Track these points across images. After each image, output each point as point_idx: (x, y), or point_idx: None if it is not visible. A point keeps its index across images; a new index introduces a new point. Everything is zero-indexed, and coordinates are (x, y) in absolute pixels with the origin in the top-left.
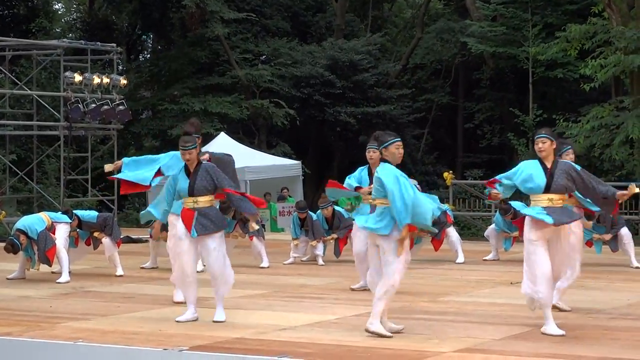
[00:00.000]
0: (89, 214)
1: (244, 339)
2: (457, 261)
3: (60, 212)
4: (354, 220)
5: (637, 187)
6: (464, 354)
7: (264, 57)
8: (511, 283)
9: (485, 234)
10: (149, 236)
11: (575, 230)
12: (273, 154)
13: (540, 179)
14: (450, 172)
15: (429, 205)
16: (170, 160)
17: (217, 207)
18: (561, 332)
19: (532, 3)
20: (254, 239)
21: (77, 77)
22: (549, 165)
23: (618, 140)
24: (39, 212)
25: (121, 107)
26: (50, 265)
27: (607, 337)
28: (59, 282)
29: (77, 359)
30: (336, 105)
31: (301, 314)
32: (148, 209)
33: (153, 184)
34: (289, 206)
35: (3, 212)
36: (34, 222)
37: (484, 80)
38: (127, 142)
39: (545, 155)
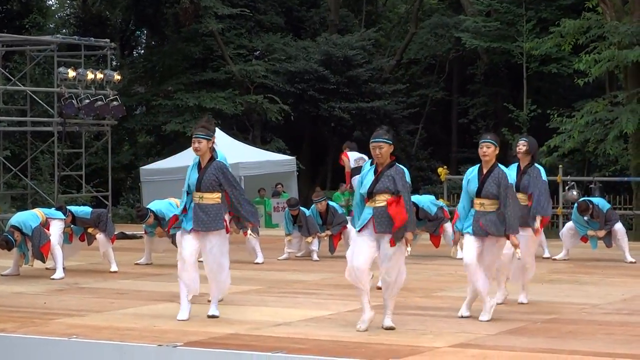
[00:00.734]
0: (83, 210)
1: (239, 334)
2: (455, 256)
3: (54, 208)
4: (348, 216)
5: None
6: (458, 349)
7: (258, 52)
8: (507, 278)
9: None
10: (143, 232)
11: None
12: (267, 150)
13: (474, 184)
14: (445, 167)
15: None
16: None
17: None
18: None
19: None
20: (249, 234)
21: (71, 73)
22: (484, 171)
23: (612, 135)
24: (33, 208)
25: (115, 103)
26: (45, 262)
27: (601, 332)
28: (53, 279)
29: (72, 355)
30: (330, 100)
31: (296, 309)
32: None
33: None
34: (283, 202)
35: None
36: (28, 218)
37: (478, 75)
38: (121, 137)
39: (488, 160)
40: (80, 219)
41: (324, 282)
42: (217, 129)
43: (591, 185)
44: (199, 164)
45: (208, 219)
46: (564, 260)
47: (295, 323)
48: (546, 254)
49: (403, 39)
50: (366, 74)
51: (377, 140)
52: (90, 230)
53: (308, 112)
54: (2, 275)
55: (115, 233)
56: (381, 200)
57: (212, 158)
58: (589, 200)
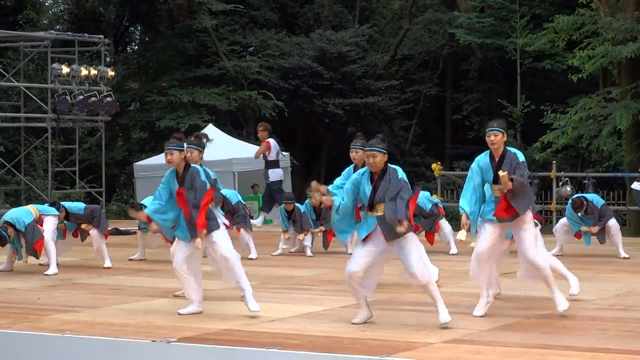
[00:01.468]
0: (76, 206)
1: (233, 330)
2: (450, 252)
3: (47, 205)
4: None
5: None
6: (452, 344)
7: (252, 48)
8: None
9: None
10: (137, 228)
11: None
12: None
13: (489, 173)
14: (439, 163)
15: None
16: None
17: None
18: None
19: None
20: (242, 230)
21: (65, 69)
22: (496, 159)
23: (606, 131)
24: (26, 204)
25: (109, 99)
26: (38, 258)
27: (595, 327)
28: (46, 275)
29: (65, 351)
30: (324, 96)
31: (290, 305)
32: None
33: None
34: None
35: None
36: (21, 214)
37: (472, 71)
38: (115, 133)
39: (497, 147)
40: (73, 215)
41: (318, 278)
42: (211, 124)
43: (585, 181)
44: (177, 172)
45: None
46: (558, 256)
47: (289, 319)
48: None
49: (397, 35)
50: (360, 70)
51: (371, 148)
52: (83, 226)
53: (302, 108)
54: None
55: (109, 229)
56: (383, 209)
57: (188, 166)
58: (583, 196)
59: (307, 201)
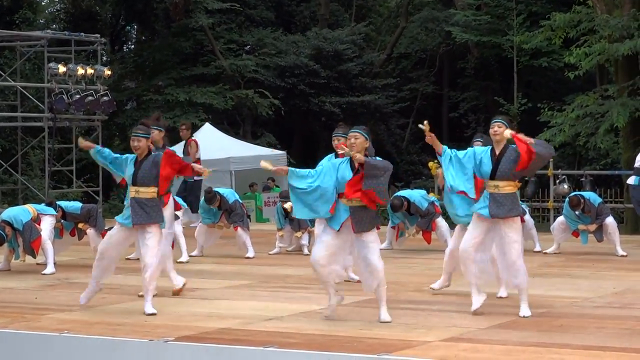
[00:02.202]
0: (73, 205)
1: (230, 329)
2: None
3: (43, 204)
4: None
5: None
6: (449, 343)
7: (248, 47)
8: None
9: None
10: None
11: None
12: (258, 144)
13: (487, 166)
14: (436, 161)
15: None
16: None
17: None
18: None
19: None
20: (239, 229)
21: (61, 68)
22: (497, 152)
23: (603, 128)
24: (23, 203)
25: (105, 98)
26: (35, 257)
27: (592, 325)
28: (44, 274)
29: (63, 351)
30: (321, 95)
31: (287, 304)
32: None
33: None
34: (274, 196)
35: None
36: (19, 213)
37: (469, 69)
38: (111, 133)
39: (499, 139)
40: (70, 214)
41: (315, 277)
42: (207, 123)
43: (582, 179)
44: (136, 158)
45: (146, 213)
46: (555, 254)
47: (286, 317)
48: (537, 248)
49: (393, 33)
50: (356, 68)
51: (353, 130)
52: (80, 225)
53: (298, 106)
54: None
55: (106, 228)
56: (357, 199)
57: (149, 153)
58: (580, 194)
59: None
